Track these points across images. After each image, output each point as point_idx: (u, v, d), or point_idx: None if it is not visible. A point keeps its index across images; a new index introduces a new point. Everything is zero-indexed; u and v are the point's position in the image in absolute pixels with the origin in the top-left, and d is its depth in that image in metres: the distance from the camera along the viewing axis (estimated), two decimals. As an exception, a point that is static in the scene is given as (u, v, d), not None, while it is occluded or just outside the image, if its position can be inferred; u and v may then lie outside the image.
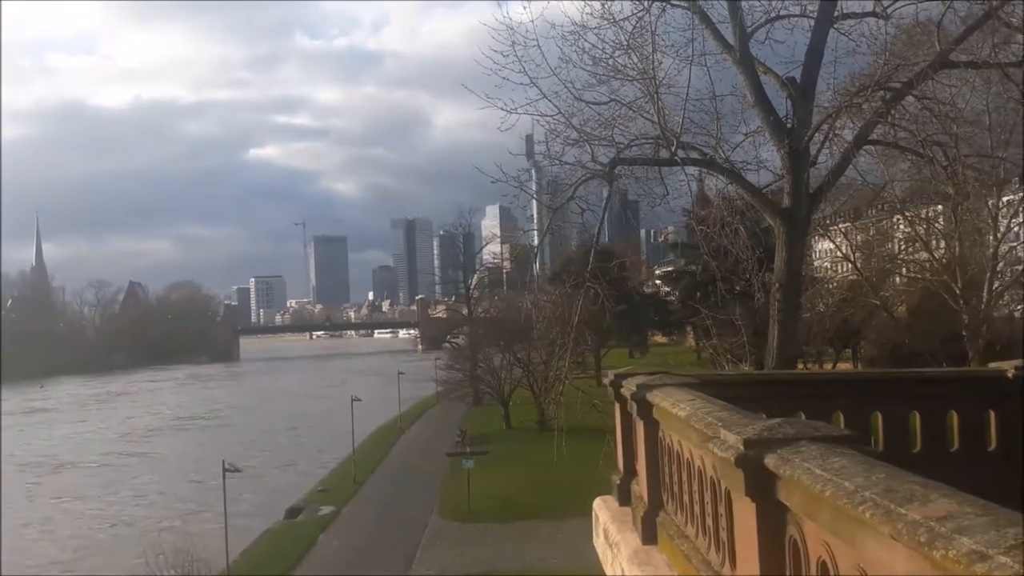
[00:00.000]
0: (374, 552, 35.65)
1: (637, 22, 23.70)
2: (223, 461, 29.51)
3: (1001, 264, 48.47)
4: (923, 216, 52.59)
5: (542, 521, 37.89)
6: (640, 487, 7.35)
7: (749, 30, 24.04)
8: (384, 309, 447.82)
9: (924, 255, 55.93)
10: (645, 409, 6.70)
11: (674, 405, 5.77)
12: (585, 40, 24.30)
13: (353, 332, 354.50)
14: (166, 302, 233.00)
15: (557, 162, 21.91)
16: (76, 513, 50.80)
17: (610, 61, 23.57)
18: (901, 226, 51.32)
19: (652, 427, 6.74)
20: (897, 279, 55.69)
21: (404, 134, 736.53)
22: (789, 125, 23.39)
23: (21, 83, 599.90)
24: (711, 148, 24.23)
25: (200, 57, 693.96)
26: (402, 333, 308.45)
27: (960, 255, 48.79)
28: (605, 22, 24.01)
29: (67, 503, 53.25)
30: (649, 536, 6.69)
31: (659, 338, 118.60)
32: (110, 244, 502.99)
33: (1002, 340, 44.70)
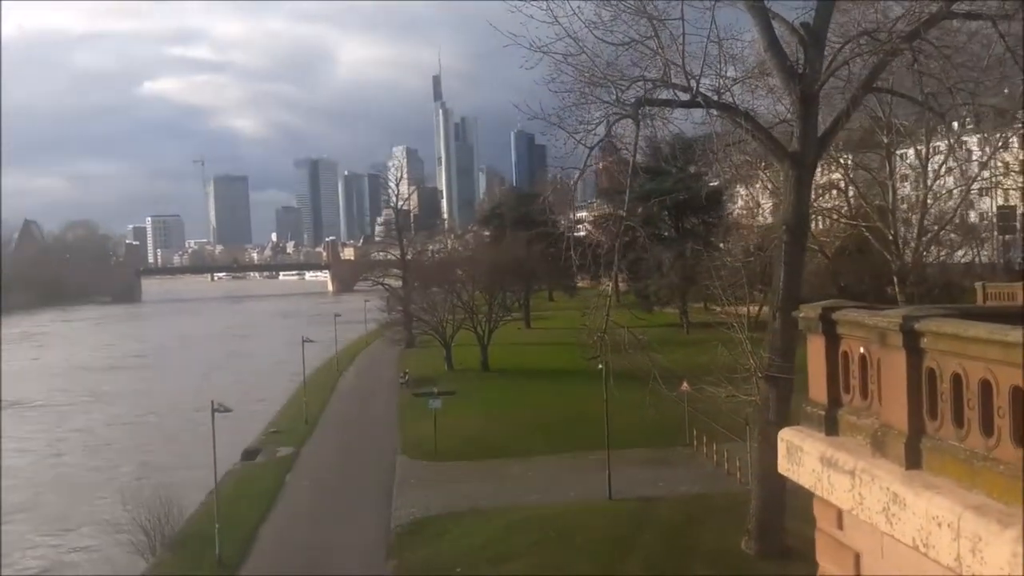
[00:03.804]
0: (349, 491, 35.63)
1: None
2: (212, 401, 28.86)
3: (932, 209, 50.95)
4: (843, 163, 54.62)
5: (510, 459, 38.46)
6: (881, 417, 7.67)
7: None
8: (288, 251, 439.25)
9: (838, 202, 58.47)
10: (912, 339, 7.00)
11: (991, 332, 6.06)
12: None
13: (256, 274, 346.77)
14: (63, 241, 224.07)
15: (589, 100, 21.94)
16: (35, 455, 49.79)
17: (625, 3, 23.54)
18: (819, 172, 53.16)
19: (917, 357, 7.06)
20: (815, 224, 57.96)
21: (309, 71, 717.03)
22: (800, 71, 23.87)
23: None
24: (713, 91, 24.57)
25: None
26: (308, 275, 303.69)
27: (893, 201, 51.06)
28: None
29: (24, 443, 52.20)
30: (914, 462, 7.05)
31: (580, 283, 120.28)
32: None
33: (939, 285, 47.31)
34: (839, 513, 8.26)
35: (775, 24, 24.49)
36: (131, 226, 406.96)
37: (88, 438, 53.32)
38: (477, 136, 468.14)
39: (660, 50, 23.49)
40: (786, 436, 9.14)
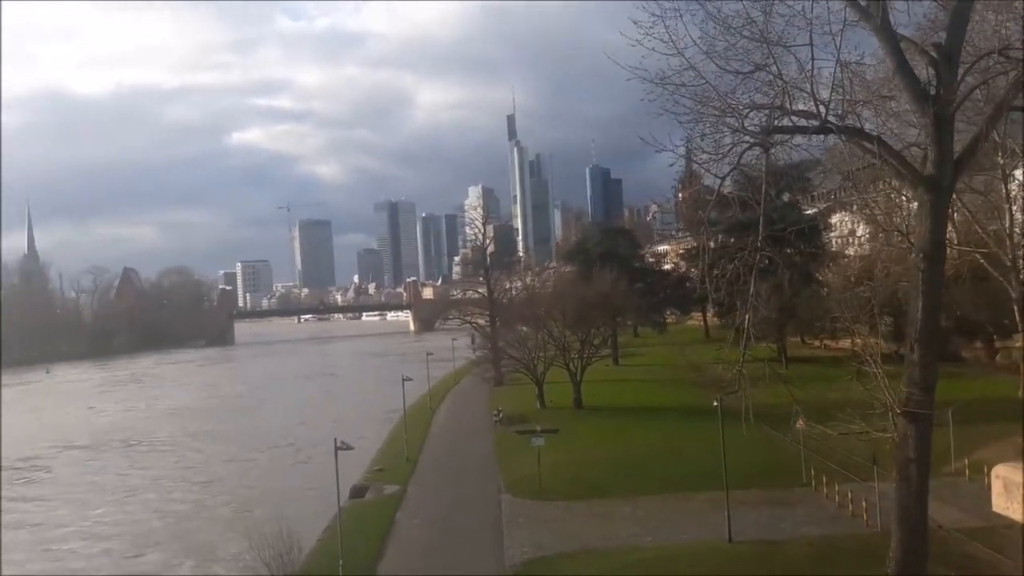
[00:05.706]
0: (459, 529, 35.41)
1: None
2: (335, 439, 29.39)
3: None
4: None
5: (616, 498, 37.67)
6: None
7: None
8: (370, 292, 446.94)
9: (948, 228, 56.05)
10: None
11: None
12: (711, 15, 23.70)
13: (340, 315, 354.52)
14: (159, 287, 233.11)
15: (718, 129, 21.59)
16: (159, 490, 52.09)
17: (746, 31, 23.13)
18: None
19: None
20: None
21: (386, 115, 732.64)
22: (932, 92, 23.03)
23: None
24: (836, 116, 23.86)
25: (181, 42, 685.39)
26: (390, 315, 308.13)
27: (1011, 225, 48.78)
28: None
29: (150, 480, 55.37)
30: None
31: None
32: (96, 231, 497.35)
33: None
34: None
35: (903, 46, 23.70)
36: (222, 271, 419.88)
37: (201, 475, 55.28)
38: (552, 172, 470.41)
39: (779, 77, 22.98)
40: (1002, 473, 8.69)
